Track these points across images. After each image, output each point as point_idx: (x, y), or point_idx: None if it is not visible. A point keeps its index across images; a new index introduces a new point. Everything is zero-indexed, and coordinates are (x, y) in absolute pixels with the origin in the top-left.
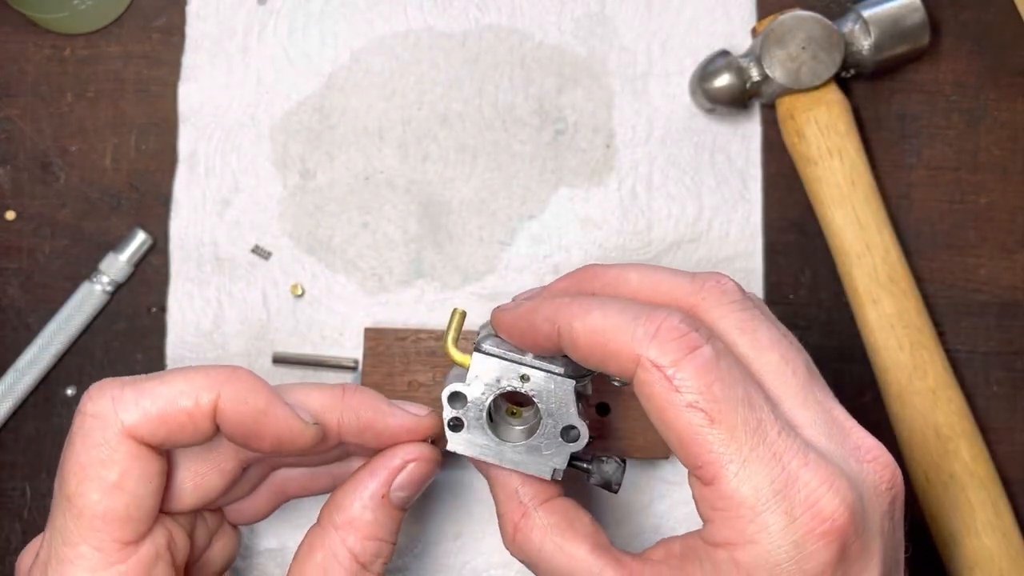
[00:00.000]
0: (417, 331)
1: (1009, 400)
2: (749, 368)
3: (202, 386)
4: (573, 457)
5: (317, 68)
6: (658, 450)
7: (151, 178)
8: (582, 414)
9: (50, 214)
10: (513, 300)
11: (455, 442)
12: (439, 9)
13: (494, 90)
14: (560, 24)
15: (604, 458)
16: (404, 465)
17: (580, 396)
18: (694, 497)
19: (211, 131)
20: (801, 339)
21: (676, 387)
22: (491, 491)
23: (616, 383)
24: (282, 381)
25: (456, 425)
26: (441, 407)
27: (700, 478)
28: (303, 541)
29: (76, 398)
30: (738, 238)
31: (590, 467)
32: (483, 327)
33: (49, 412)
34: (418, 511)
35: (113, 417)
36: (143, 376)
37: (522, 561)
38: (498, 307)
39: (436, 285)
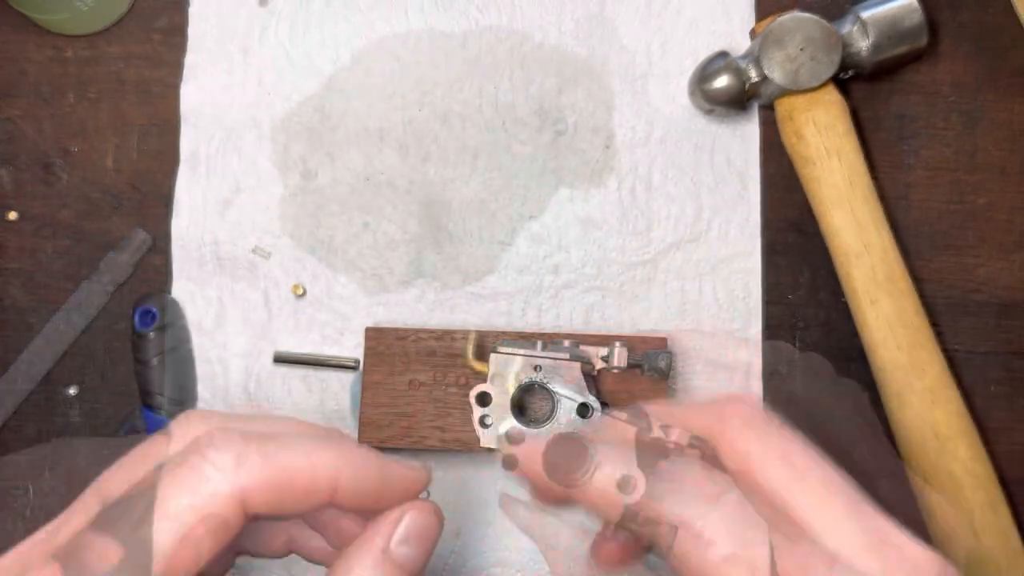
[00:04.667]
0: (417, 331)
1: (1007, 400)
2: (788, 494)
3: (324, 463)
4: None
5: (318, 69)
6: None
7: (152, 178)
8: (591, 391)
9: (51, 214)
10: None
11: (487, 439)
12: (439, 10)
13: (494, 90)
14: (560, 25)
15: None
16: (401, 517)
17: (589, 377)
18: None
19: (212, 131)
20: (800, 339)
21: None
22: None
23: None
24: (283, 381)
25: (486, 421)
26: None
27: None
28: None
29: (77, 397)
30: (737, 238)
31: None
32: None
33: (50, 412)
34: None
35: (232, 475)
36: (258, 435)
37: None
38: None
39: (436, 285)
